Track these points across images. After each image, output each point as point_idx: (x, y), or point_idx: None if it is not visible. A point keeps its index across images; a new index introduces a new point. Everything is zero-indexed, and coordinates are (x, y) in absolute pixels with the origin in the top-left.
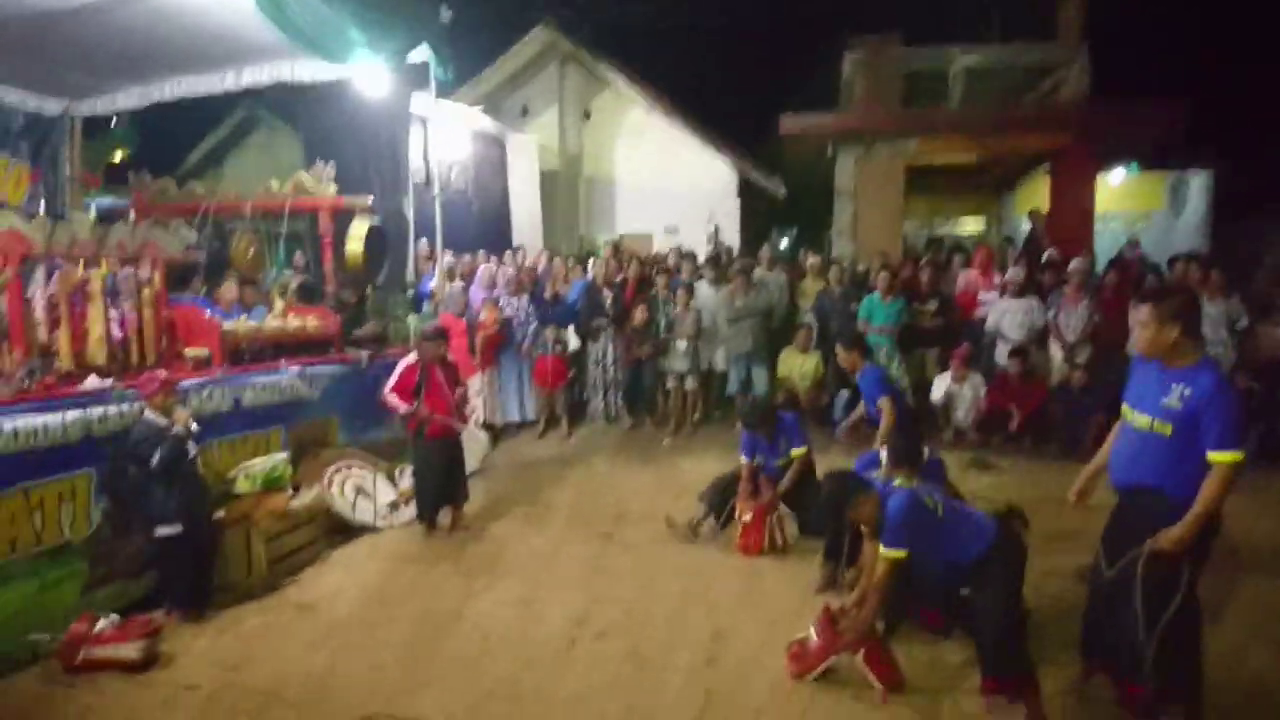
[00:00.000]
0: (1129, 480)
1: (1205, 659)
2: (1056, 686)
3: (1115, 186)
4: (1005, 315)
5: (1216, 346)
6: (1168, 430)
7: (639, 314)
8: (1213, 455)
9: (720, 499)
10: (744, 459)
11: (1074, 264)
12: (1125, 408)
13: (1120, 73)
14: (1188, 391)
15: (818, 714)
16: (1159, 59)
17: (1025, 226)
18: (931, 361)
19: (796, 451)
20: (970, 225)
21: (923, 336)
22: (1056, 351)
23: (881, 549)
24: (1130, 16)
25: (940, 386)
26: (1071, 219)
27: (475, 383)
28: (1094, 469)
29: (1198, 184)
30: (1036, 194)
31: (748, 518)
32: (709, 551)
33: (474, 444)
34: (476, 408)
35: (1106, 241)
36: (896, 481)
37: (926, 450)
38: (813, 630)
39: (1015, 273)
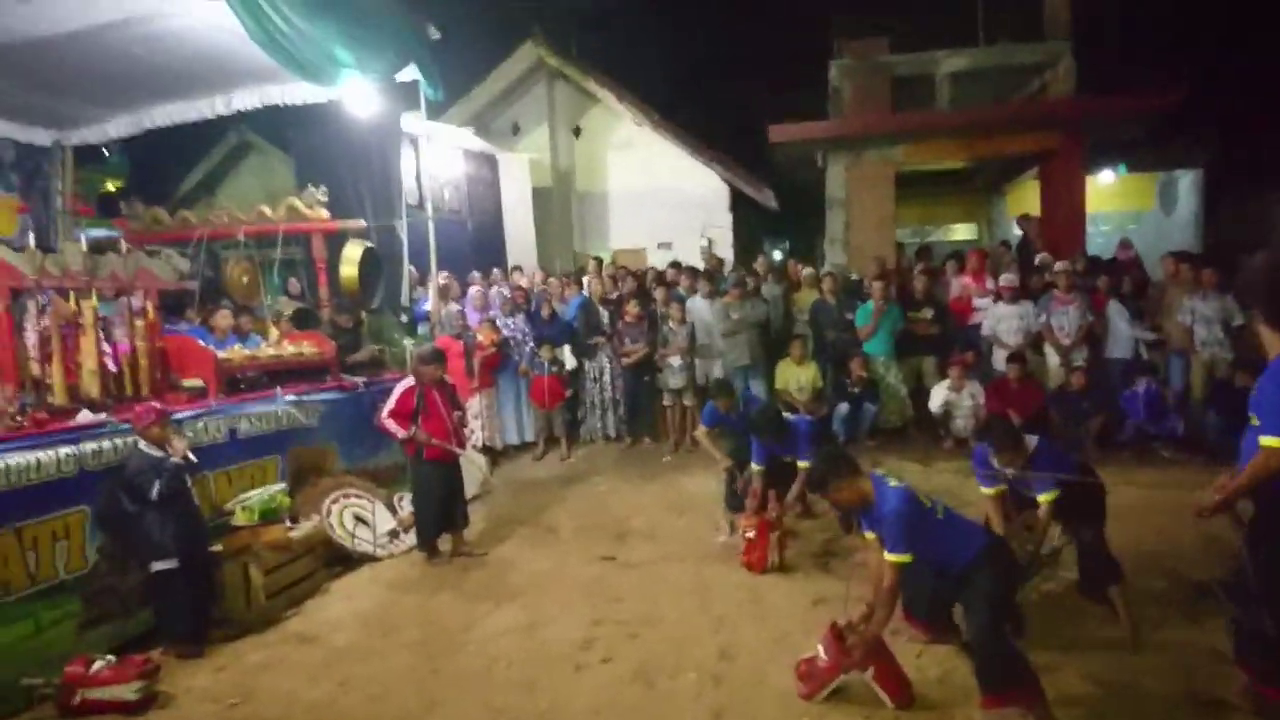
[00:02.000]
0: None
1: None
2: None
3: (1105, 187)
4: (1001, 320)
5: (1213, 345)
6: (1254, 420)
7: (630, 310)
8: (1261, 440)
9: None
10: (755, 466)
11: (1058, 265)
12: None
13: (1109, 70)
14: (1263, 380)
15: None
16: (1147, 55)
17: (1016, 232)
18: (929, 369)
19: (802, 464)
20: (961, 231)
21: (919, 344)
22: (1052, 355)
23: (886, 554)
24: (1117, 12)
25: (939, 395)
26: (1062, 221)
27: (474, 405)
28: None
29: (1187, 182)
30: (1027, 198)
31: (751, 534)
32: (713, 568)
33: (473, 468)
34: (475, 430)
35: (1098, 243)
36: (891, 481)
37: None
38: (820, 648)
39: (1009, 278)
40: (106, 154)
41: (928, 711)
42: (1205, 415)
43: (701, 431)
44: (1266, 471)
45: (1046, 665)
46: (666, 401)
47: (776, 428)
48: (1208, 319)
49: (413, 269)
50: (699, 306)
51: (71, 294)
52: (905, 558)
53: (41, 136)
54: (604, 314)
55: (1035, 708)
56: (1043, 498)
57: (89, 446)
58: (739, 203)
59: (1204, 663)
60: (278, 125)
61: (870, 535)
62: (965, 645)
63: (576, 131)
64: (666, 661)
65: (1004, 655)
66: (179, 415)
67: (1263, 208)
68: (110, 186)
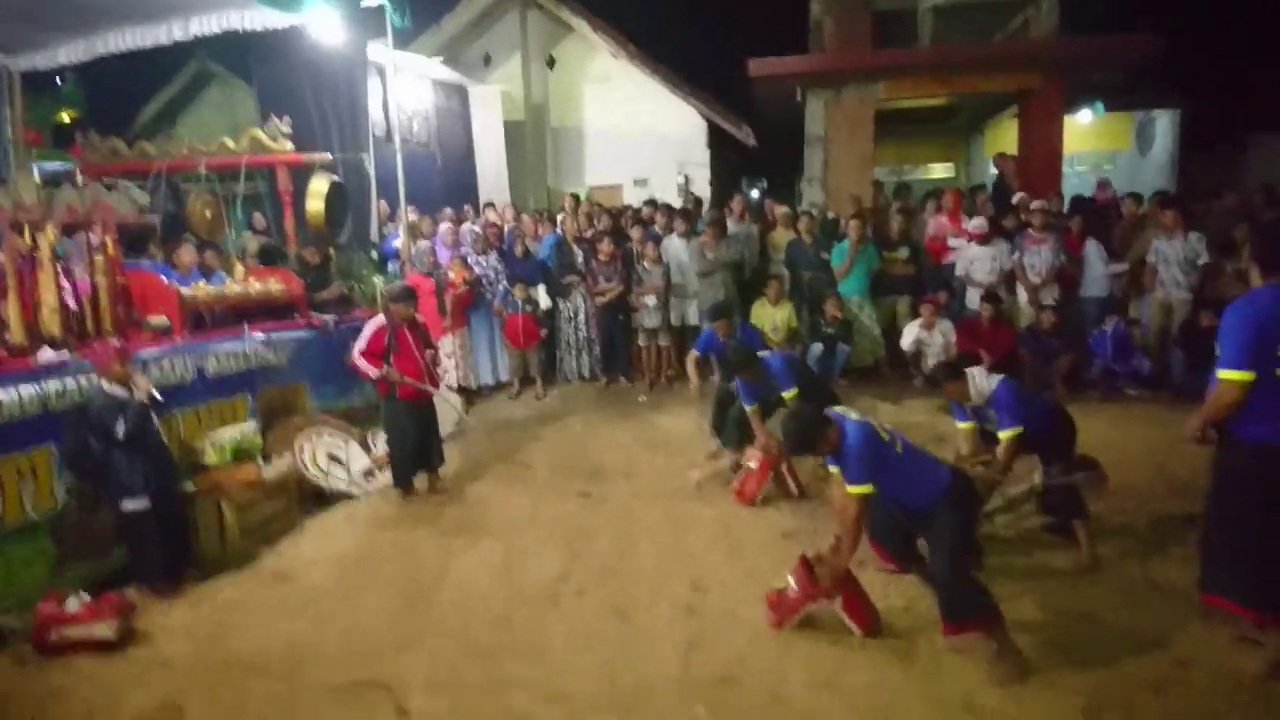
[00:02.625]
0: None
1: None
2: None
3: (1082, 127)
4: (974, 260)
5: (1171, 285)
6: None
7: (604, 249)
8: (1218, 372)
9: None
10: (747, 405)
11: (1035, 204)
12: None
13: (1090, 10)
14: (1225, 315)
15: (797, 660)
16: None
17: (994, 171)
18: (902, 309)
19: (789, 394)
20: (939, 170)
21: (893, 284)
22: (1024, 295)
23: (848, 486)
24: None
25: (910, 334)
26: (1040, 161)
27: (446, 344)
28: None
29: (1164, 123)
30: (1004, 137)
31: (753, 464)
32: (687, 504)
33: (447, 407)
34: (448, 370)
35: (1073, 183)
36: (851, 416)
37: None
38: (790, 579)
39: (979, 223)
40: (60, 82)
41: (893, 639)
42: (1170, 354)
43: (693, 356)
44: (1222, 402)
45: (1007, 595)
46: (642, 341)
47: (750, 363)
48: (1170, 259)
49: (383, 203)
50: (675, 246)
51: (26, 228)
52: (866, 488)
53: None
54: (578, 253)
55: (995, 635)
56: (1003, 434)
57: (52, 385)
58: (717, 139)
59: (1158, 594)
60: (239, 54)
61: (834, 469)
62: (929, 576)
63: (550, 62)
64: (641, 595)
65: (965, 587)
66: (144, 354)
67: (1237, 150)
68: (65, 117)
